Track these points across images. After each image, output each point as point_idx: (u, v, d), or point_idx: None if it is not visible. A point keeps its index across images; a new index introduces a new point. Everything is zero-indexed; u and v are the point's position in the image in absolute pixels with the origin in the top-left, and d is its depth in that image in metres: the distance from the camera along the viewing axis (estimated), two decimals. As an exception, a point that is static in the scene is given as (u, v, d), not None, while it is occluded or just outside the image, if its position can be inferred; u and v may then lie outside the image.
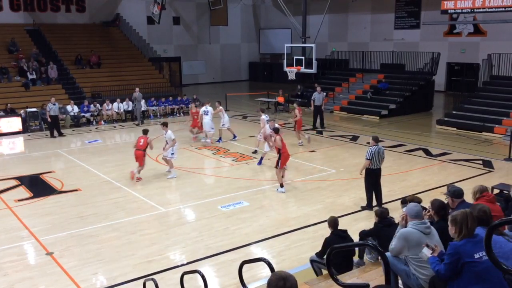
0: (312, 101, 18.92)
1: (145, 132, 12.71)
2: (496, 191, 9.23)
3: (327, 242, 6.26)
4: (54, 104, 18.28)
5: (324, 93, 18.70)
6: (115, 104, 21.51)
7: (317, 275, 6.46)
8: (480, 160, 14.04)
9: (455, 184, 8.19)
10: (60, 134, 18.55)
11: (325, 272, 6.11)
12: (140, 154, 12.35)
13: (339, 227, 6.60)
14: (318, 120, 19.08)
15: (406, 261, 4.91)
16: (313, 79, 26.63)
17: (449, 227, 4.26)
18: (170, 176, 12.76)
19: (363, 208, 10.11)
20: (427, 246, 4.56)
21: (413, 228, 4.84)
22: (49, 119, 18.18)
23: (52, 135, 18.37)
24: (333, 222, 6.60)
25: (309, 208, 10.32)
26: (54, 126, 18.43)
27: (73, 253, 8.29)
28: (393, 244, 4.98)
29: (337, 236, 6.41)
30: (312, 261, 6.58)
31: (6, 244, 8.71)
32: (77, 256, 8.14)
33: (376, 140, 10.10)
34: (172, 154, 12.88)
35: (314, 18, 29.29)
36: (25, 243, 8.78)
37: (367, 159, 9.87)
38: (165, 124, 13.06)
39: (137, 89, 21.22)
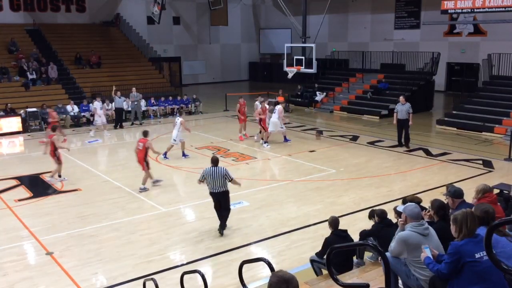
0: (395, 114, 15.70)
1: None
2: (496, 191, 9.21)
3: (327, 242, 6.26)
4: (120, 97, 19.88)
5: (409, 104, 15.53)
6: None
7: (317, 275, 6.45)
8: (480, 160, 14.03)
9: (455, 184, 8.18)
10: (121, 126, 19.98)
11: (325, 272, 6.11)
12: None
13: (339, 227, 6.59)
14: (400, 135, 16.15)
15: (406, 262, 4.90)
16: (313, 79, 26.65)
17: (451, 227, 4.26)
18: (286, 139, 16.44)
19: None
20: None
21: (412, 231, 4.82)
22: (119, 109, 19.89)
23: (116, 127, 19.89)
24: (333, 222, 6.60)
25: (309, 208, 10.31)
26: (119, 119, 20.13)
27: (73, 253, 8.29)
28: (392, 246, 4.97)
29: (337, 236, 6.41)
30: (312, 261, 6.58)
31: (6, 244, 8.71)
32: (77, 256, 8.14)
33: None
34: (281, 127, 16.32)
35: (314, 18, 29.27)
36: (25, 243, 8.78)
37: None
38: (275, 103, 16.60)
39: (133, 88, 21.22)
